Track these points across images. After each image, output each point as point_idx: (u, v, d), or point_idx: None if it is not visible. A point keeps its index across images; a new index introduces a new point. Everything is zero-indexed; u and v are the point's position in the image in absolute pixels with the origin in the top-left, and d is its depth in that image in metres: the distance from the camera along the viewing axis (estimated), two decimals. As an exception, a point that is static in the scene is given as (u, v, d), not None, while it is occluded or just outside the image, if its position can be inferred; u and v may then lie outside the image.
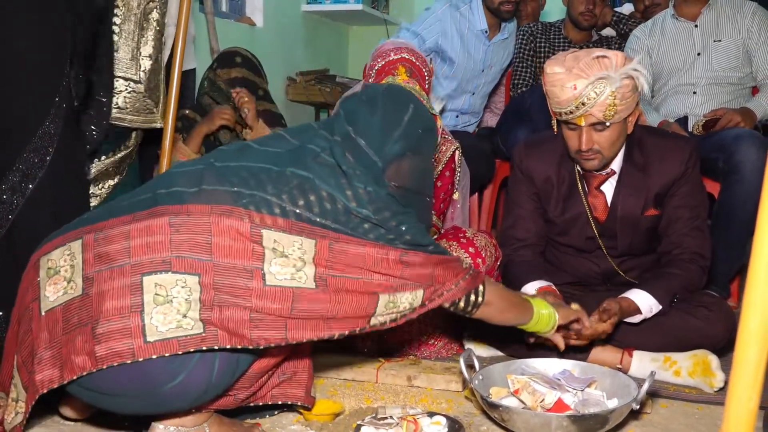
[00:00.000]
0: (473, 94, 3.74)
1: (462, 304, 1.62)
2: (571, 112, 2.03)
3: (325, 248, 1.42)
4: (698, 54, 3.25)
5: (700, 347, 2.12)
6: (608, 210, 2.26)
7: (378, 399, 1.92)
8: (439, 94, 3.44)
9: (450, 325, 2.31)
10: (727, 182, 2.89)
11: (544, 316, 1.85)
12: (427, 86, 2.41)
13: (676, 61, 3.29)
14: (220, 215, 1.38)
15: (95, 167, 2.19)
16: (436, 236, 2.53)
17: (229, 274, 1.36)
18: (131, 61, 2.17)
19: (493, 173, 3.65)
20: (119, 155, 2.27)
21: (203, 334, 1.32)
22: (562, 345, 1.97)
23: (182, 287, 1.33)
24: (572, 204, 2.28)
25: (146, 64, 2.21)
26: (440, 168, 2.56)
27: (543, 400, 1.70)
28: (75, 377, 1.32)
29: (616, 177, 2.24)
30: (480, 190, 3.67)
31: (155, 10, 2.21)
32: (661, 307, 2.12)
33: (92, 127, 2.05)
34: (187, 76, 3.35)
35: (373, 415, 1.70)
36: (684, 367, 2.09)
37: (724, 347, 2.16)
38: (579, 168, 2.27)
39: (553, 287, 2.20)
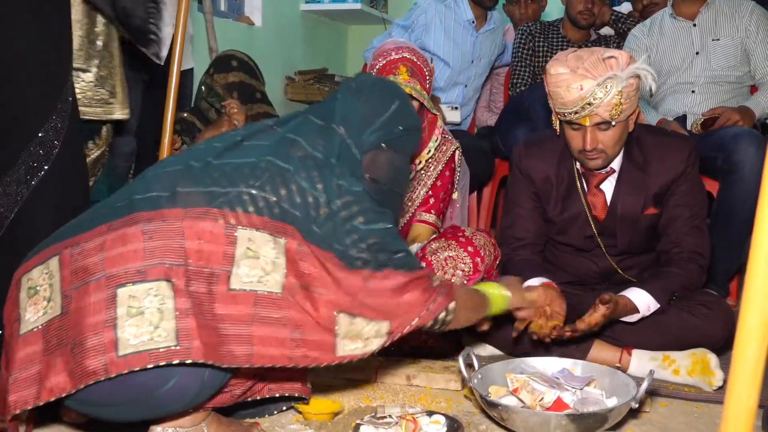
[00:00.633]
0: (465, 86, 3.77)
1: (431, 323, 1.55)
2: (576, 113, 2.03)
3: (291, 246, 1.39)
4: (697, 53, 3.25)
5: (699, 346, 2.12)
6: (607, 209, 2.26)
7: (377, 398, 1.92)
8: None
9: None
10: (726, 181, 2.89)
11: (496, 296, 1.81)
12: (427, 86, 2.41)
13: (674, 60, 3.29)
14: (194, 219, 1.37)
15: None
16: (434, 235, 2.53)
17: (199, 278, 1.34)
18: (79, 51, 2.11)
19: (492, 172, 3.65)
20: (92, 156, 2.24)
21: (176, 348, 1.29)
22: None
23: (154, 296, 1.31)
24: (571, 203, 2.29)
25: (95, 52, 2.15)
26: (440, 167, 2.55)
27: (542, 398, 1.70)
28: (53, 398, 1.31)
29: (615, 176, 2.24)
30: (479, 189, 3.67)
31: None
32: (659, 305, 2.11)
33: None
34: (186, 75, 3.35)
35: (372, 414, 1.70)
36: (683, 365, 2.09)
37: (723, 346, 2.16)
38: (578, 167, 2.27)
39: (554, 285, 2.20)
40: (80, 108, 2.09)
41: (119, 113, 2.23)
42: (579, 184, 2.28)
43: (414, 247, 2.42)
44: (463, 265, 2.37)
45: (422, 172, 2.57)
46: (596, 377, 1.84)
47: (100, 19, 2.15)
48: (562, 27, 3.79)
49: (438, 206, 2.58)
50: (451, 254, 2.37)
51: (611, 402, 1.73)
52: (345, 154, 1.52)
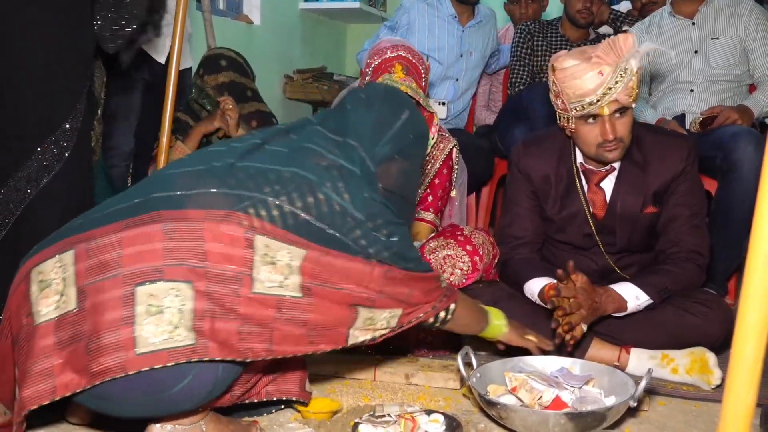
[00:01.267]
0: (457, 80, 3.79)
1: (431, 320, 1.68)
2: (597, 100, 2.02)
3: (313, 259, 1.42)
4: (695, 51, 3.26)
5: (697, 344, 2.12)
6: (607, 207, 2.27)
7: (376, 397, 1.92)
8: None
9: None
10: (725, 180, 2.89)
11: (495, 326, 1.91)
12: (423, 84, 2.41)
13: (673, 59, 3.29)
14: (215, 221, 1.36)
15: None
16: (433, 234, 2.53)
17: (220, 281, 1.35)
18: None
19: (492, 171, 3.65)
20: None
21: (194, 346, 1.31)
22: (545, 346, 1.99)
23: (176, 296, 1.31)
24: (570, 201, 2.29)
25: None
26: (438, 165, 2.55)
27: (541, 397, 1.70)
28: (68, 394, 1.31)
29: (615, 174, 2.25)
30: (478, 188, 3.67)
31: None
32: (648, 297, 2.11)
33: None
34: (185, 75, 3.34)
35: (371, 412, 1.70)
36: (681, 364, 2.09)
37: (721, 344, 2.16)
38: (578, 164, 2.27)
39: (557, 285, 2.20)
40: None
41: None
42: (579, 182, 2.28)
43: (413, 246, 2.42)
44: (461, 264, 2.37)
45: None
46: (595, 376, 1.84)
47: None
48: (560, 26, 3.79)
49: (436, 204, 2.58)
50: (449, 253, 2.37)
51: (610, 401, 1.73)
52: (363, 166, 1.54)
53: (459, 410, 1.85)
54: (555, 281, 2.17)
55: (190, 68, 3.48)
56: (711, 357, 2.07)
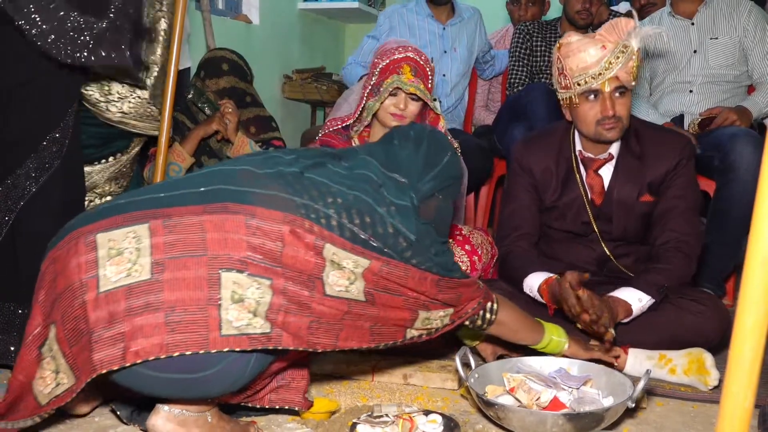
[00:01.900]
0: (444, 75, 3.86)
1: (479, 321, 1.79)
2: (599, 74, 2.12)
3: (375, 269, 1.51)
4: (695, 52, 3.26)
5: (694, 344, 2.13)
6: (604, 194, 2.31)
7: (374, 397, 1.92)
8: None
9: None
10: (723, 181, 2.89)
11: (555, 342, 1.98)
12: (429, 85, 2.41)
13: (672, 59, 3.30)
14: (291, 227, 1.43)
15: (114, 165, 2.22)
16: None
17: (296, 282, 1.42)
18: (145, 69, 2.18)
19: (491, 171, 3.65)
20: (132, 152, 2.30)
21: (270, 334, 1.39)
22: (605, 356, 2.04)
23: (256, 288, 1.38)
24: (569, 188, 2.34)
25: (153, 71, 2.21)
26: None
27: (539, 398, 1.70)
28: (140, 361, 1.32)
29: (613, 163, 2.30)
30: (477, 188, 3.67)
31: (163, 19, 2.21)
32: (649, 297, 2.13)
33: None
34: (183, 75, 3.34)
35: (369, 413, 1.70)
36: (679, 365, 2.10)
37: (718, 345, 2.16)
38: (577, 152, 2.33)
39: (555, 277, 2.21)
40: (128, 120, 2.18)
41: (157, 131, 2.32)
42: (577, 169, 2.33)
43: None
44: (460, 263, 2.37)
45: None
46: (593, 376, 1.84)
47: (159, 39, 2.18)
48: (559, 27, 3.79)
49: None
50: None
51: (608, 401, 1.73)
52: (411, 201, 1.65)
53: (457, 411, 1.85)
54: (551, 275, 2.20)
55: (188, 68, 3.47)
56: (708, 358, 2.07)
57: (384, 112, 2.37)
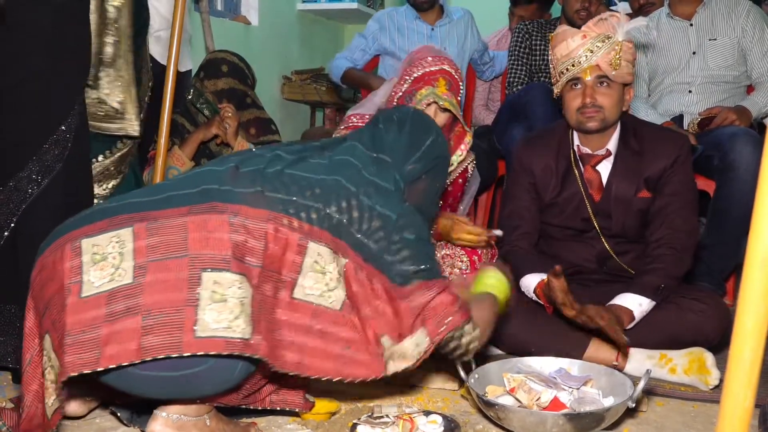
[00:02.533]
0: None
1: (460, 350, 1.59)
2: (579, 62, 2.17)
3: (350, 273, 1.48)
4: (693, 53, 3.26)
5: (695, 343, 2.13)
6: (603, 189, 2.32)
7: (374, 398, 1.92)
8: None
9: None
10: (722, 180, 2.90)
11: (496, 285, 1.78)
12: (459, 99, 2.41)
13: (671, 60, 3.30)
14: (275, 224, 1.42)
15: (96, 167, 2.18)
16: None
17: (269, 281, 1.41)
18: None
19: (495, 173, 3.64)
20: (117, 154, 2.25)
21: (249, 340, 1.34)
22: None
23: (238, 288, 1.35)
24: (568, 183, 2.35)
25: (100, 68, 2.11)
26: (454, 176, 2.55)
27: (539, 398, 1.70)
28: (113, 365, 1.31)
29: (611, 159, 2.32)
30: (479, 193, 3.66)
31: (111, 4, 2.09)
32: (649, 300, 2.14)
33: None
34: (185, 77, 3.34)
35: (369, 413, 1.70)
36: (680, 364, 2.10)
37: (719, 344, 2.16)
38: (576, 148, 2.34)
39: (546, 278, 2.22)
40: (91, 122, 2.08)
41: (131, 130, 2.21)
42: (576, 165, 2.34)
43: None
44: (460, 263, 2.37)
45: None
46: (593, 377, 1.84)
47: (109, 40, 2.13)
48: (559, 26, 3.79)
49: (444, 210, 2.57)
50: (448, 252, 2.38)
51: (608, 401, 1.73)
52: (395, 184, 1.62)
53: (457, 411, 1.85)
54: (543, 278, 2.20)
55: (190, 70, 3.47)
56: (709, 357, 2.07)
57: None
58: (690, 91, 3.26)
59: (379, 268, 1.53)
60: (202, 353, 1.31)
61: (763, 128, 3.30)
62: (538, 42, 3.76)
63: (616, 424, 1.72)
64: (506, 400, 1.73)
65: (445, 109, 2.35)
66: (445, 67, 2.38)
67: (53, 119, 1.88)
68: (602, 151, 2.32)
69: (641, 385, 1.66)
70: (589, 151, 2.33)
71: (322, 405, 1.78)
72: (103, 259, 1.37)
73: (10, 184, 1.85)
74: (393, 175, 1.62)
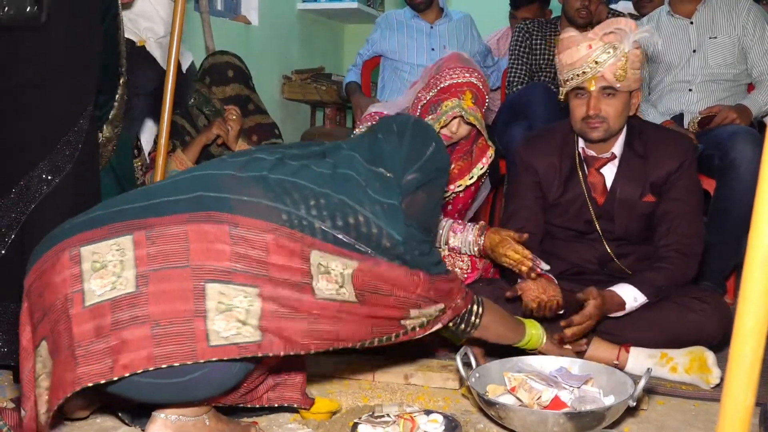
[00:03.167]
0: None
1: (463, 325, 1.79)
2: (584, 73, 2.14)
3: (364, 269, 1.50)
4: (694, 51, 3.26)
5: (696, 342, 2.13)
6: (607, 193, 2.31)
7: (375, 397, 1.92)
8: (404, 79, 3.89)
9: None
10: (723, 179, 2.89)
11: (534, 337, 2.01)
12: (483, 112, 2.40)
13: (671, 58, 3.30)
14: (275, 235, 1.42)
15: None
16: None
17: (284, 288, 1.41)
18: None
19: (496, 174, 3.62)
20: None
21: (260, 342, 1.37)
22: (563, 349, 2.09)
23: (244, 297, 1.37)
24: (572, 185, 2.34)
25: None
26: (470, 182, 2.54)
27: (540, 397, 1.70)
28: (127, 374, 1.31)
29: (616, 162, 2.30)
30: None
31: None
32: (644, 296, 2.15)
33: None
34: (185, 77, 3.33)
35: (370, 413, 1.70)
36: (680, 363, 2.10)
37: (720, 343, 2.16)
38: (580, 150, 2.33)
39: (551, 276, 2.22)
40: None
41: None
42: (580, 167, 2.33)
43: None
44: (461, 263, 2.37)
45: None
46: (594, 375, 1.84)
47: None
48: (559, 25, 3.79)
49: (453, 215, 2.57)
50: (448, 252, 2.37)
51: (609, 400, 1.73)
52: (397, 198, 1.62)
53: (458, 410, 1.85)
54: (549, 276, 2.21)
55: (192, 64, 3.44)
56: (710, 356, 2.07)
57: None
58: (690, 90, 3.26)
59: (397, 262, 1.57)
60: (215, 359, 1.33)
61: (764, 127, 3.30)
62: (539, 41, 3.76)
63: (617, 422, 1.72)
64: (507, 399, 1.73)
65: (470, 123, 2.35)
66: (473, 80, 2.35)
67: (66, 120, 1.89)
68: (607, 154, 2.30)
69: (642, 383, 1.66)
70: (594, 154, 2.32)
71: (323, 404, 1.78)
72: (103, 267, 1.36)
73: (21, 183, 1.86)
74: (395, 191, 1.62)
